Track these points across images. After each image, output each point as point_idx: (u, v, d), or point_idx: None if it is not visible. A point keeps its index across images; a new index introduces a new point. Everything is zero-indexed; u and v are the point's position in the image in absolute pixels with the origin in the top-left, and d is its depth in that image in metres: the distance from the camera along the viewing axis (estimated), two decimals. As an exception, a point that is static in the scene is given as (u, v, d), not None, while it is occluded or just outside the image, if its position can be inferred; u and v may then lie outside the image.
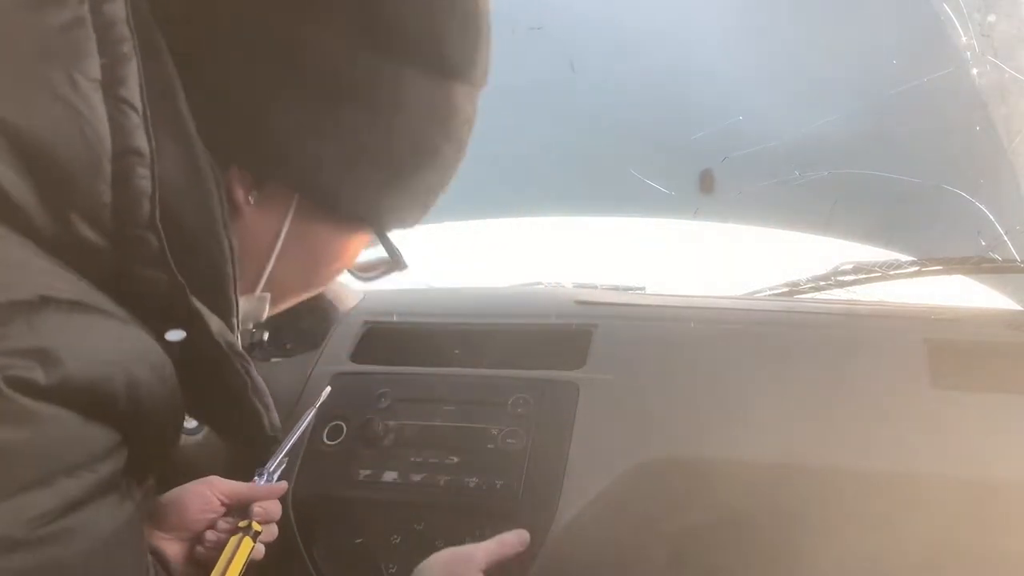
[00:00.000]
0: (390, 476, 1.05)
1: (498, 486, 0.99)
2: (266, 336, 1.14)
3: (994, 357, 0.99)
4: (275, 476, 0.93)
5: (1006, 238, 1.42)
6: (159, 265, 0.52)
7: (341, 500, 1.06)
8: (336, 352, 1.22)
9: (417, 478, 1.03)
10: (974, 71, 1.62)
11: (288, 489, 1.07)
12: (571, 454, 1.00)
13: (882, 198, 1.68)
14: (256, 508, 0.86)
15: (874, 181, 1.61)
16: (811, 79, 1.77)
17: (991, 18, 1.61)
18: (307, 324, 1.28)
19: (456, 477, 1.02)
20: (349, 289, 1.37)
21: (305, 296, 0.69)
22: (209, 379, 0.57)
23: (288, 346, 1.29)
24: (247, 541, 0.83)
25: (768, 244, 1.70)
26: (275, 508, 0.89)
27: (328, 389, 1.05)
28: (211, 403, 0.59)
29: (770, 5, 1.82)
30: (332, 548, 1.05)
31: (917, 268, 1.39)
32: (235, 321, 0.58)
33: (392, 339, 1.23)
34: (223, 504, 0.87)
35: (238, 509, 0.88)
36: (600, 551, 0.99)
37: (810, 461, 0.95)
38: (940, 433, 0.92)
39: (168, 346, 0.54)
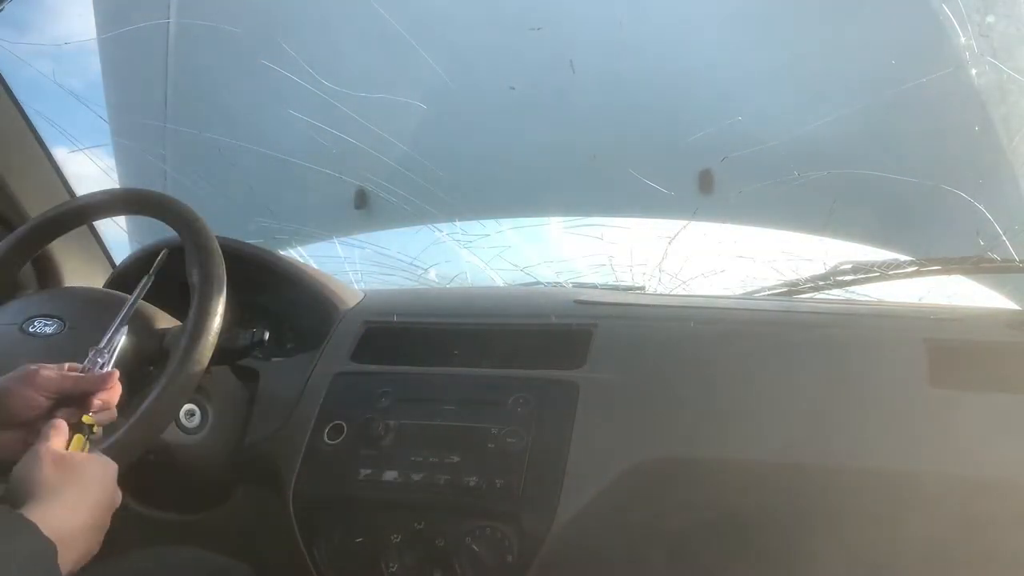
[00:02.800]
0: (390, 475, 1.05)
1: (498, 486, 1.00)
2: (267, 336, 1.14)
3: (993, 357, 0.99)
4: (111, 357, 0.88)
5: (1004, 238, 1.42)
6: None
7: (341, 499, 1.06)
8: (336, 352, 1.22)
9: (417, 477, 1.03)
10: (973, 71, 1.62)
11: (289, 488, 1.07)
12: (571, 454, 1.00)
13: (881, 198, 1.68)
14: (96, 401, 0.81)
15: (873, 181, 1.61)
16: (811, 79, 1.78)
17: (990, 18, 1.62)
18: (307, 324, 1.28)
19: (456, 477, 1.02)
20: (349, 289, 1.37)
21: None
22: None
23: (288, 346, 1.29)
24: (78, 439, 0.78)
25: (768, 244, 1.70)
26: (113, 396, 0.83)
27: (165, 252, 1.01)
28: None
29: (770, 5, 1.82)
30: (332, 547, 1.06)
31: (916, 268, 1.40)
32: None
33: (392, 339, 1.23)
34: (49, 399, 0.81)
35: (72, 398, 0.82)
36: (600, 551, 0.99)
37: (810, 461, 0.95)
38: (939, 433, 0.93)
39: None
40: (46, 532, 0.62)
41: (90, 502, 0.70)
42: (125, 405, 0.87)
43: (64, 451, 0.74)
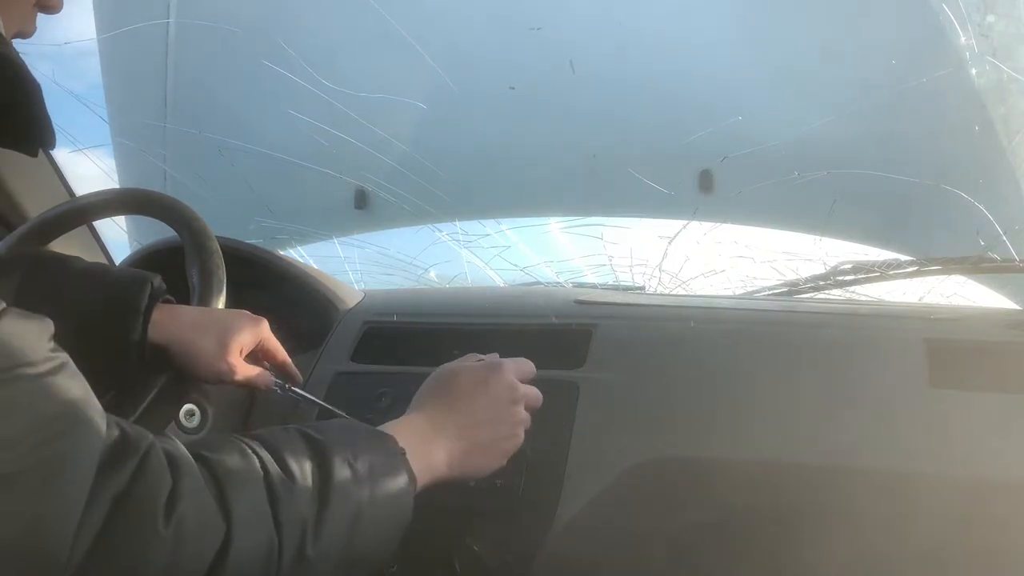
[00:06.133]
0: (390, 476, 1.05)
1: (498, 486, 0.99)
2: (266, 336, 1.14)
3: (993, 357, 0.99)
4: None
5: (1005, 238, 1.42)
6: None
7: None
8: (336, 352, 1.22)
9: (417, 478, 1.03)
10: (973, 71, 1.62)
11: None
12: (571, 454, 1.00)
13: (882, 198, 1.69)
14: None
15: (874, 181, 1.61)
16: (811, 79, 1.78)
17: (990, 18, 1.62)
18: (307, 324, 1.28)
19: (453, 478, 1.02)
20: (349, 289, 1.37)
21: (24, 8, 0.66)
22: None
23: (288, 346, 1.29)
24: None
25: (768, 244, 1.70)
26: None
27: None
28: None
29: (770, 6, 1.82)
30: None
31: (916, 268, 1.40)
32: None
33: (392, 339, 1.23)
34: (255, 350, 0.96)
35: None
36: (600, 551, 0.99)
37: (810, 461, 0.95)
38: (939, 433, 0.93)
39: None
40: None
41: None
42: (125, 405, 0.88)
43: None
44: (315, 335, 1.25)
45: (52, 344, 0.49)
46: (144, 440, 0.50)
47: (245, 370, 0.93)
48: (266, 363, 1.00)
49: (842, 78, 1.73)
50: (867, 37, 1.71)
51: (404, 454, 0.68)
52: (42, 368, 0.46)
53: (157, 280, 0.90)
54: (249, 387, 0.96)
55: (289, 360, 0.99)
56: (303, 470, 0.57)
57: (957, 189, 1.52)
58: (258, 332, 0.95)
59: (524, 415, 0.82)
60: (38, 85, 0.61)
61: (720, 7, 1.86)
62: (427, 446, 0.73)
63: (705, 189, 1.84)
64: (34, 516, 0.43)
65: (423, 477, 0.70)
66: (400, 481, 0.66)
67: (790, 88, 1.79)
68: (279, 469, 0.55)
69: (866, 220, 1.72)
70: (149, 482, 0.48)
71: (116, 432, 0.49)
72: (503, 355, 1.13)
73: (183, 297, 1.06)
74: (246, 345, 0.94)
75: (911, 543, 0.90)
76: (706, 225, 1.68)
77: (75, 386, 0.48)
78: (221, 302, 1.01)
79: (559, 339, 1.14)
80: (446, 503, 1.00)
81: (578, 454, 1.00)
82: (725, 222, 1.71)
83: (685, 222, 1.68)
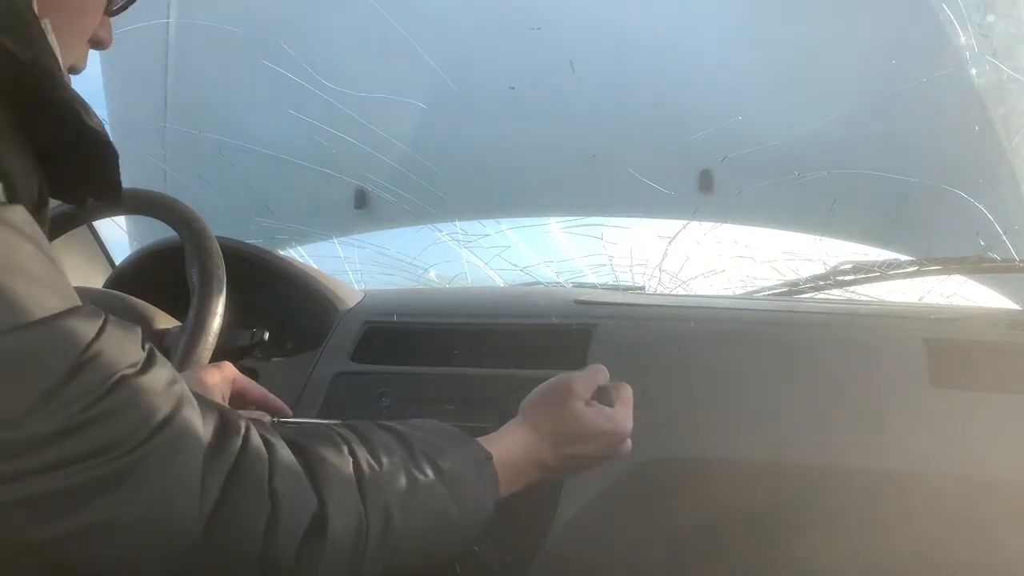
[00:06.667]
0: (390, 476, 1.04)
1: (498, 486, 0.99)
2: (266, 336, 1.14)
3: (993, 357, 0.99)
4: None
5: (1005, 238, 1.42)
6: None
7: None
8: (336, 352, 1.22)
9: (417, 478, 1.03)
10: (973, 71, 1.62)
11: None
12: (571, 454, 1.00)
13: (882, 198, 1.69)
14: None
15: (874, 181, 1.61)
16: (811, 79, 1.78)
17: (990, 18, 1.62)
18: (307, 324, 1.28)
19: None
20: (349, 289, 1.37)
21: (78, 35, 0.66)
22: (22, 96, 0.55)
23: (288, 346, 1.29)
24: None
25: (768, 244, 1.70)
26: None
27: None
28: (37, 128, 0.57)
29: (770, 6, 1.82)
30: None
31: (916, 268, 1.40)
32: (39, 41, 0.56)
33: (392, 339, 1.23)
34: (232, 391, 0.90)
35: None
36: (600, 551, 0.99)
37: (810, 461, 0.95)
38: (940, 433, 0.93)
39: None
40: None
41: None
42: None
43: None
44: (315, 335, 1.25)
45: (141, 338, 0.53)
46: (241, 420, 0.54)
47: None
48: (250, 405, 0.96)
49: (842, 78, 1.73)
50: (867, 37, 1.71)
51: (491, 459, 0.71)
52: (141, 365, 0.50)
53: None
54: None
55: (269, 394, 0.95)
56: (391, 463, 0.60)
57: (957, 189, 1.52)
58: (225, 376, 0.91)
59: (624, 432, 0.82)
60: (116, 152, 0.62)
61: (720, 7, 1.86)
62: (518, 467, 0.75)
63: (705, 189, 1.84)
64: (159, 497, 0.48)
65: (507, 487, 0.73)
66: (487, 485, 0.70)
67: (790, 88, 1.79)
68: (369, 458, 0.59)
69: (866, 220, 1.72)
70: (252, 458, 0.52)
71: (216, 413, 0.53)
72: (503, 355, 1.14)
73: (183, 297, 1.06)
74: (222, 388, 0.90)
75: (911, 542, 0.90)
76: (706, 225, 1.68)
77: (170, 374, 0.52)
78: (221, 302, 1.01)
79: (559, 339, 1.14)
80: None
81: (578, 454, 1.00)
82: (725, 222, 1.71)
83: (685, 222, 1.68)
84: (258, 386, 0.95)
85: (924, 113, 1.66)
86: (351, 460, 0.58)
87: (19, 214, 0.50)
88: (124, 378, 0.49)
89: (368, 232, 2.00)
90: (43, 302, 0.48)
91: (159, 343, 1.04)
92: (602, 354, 1.09)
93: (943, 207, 1.57)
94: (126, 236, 1.70)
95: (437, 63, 1.88)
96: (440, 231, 1.87)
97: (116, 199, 0.66)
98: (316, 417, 1.13)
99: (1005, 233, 1.44)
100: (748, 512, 0.96)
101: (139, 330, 0.53)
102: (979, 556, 0.89)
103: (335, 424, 0.63)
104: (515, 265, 1.78)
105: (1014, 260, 1.37)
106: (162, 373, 0.52)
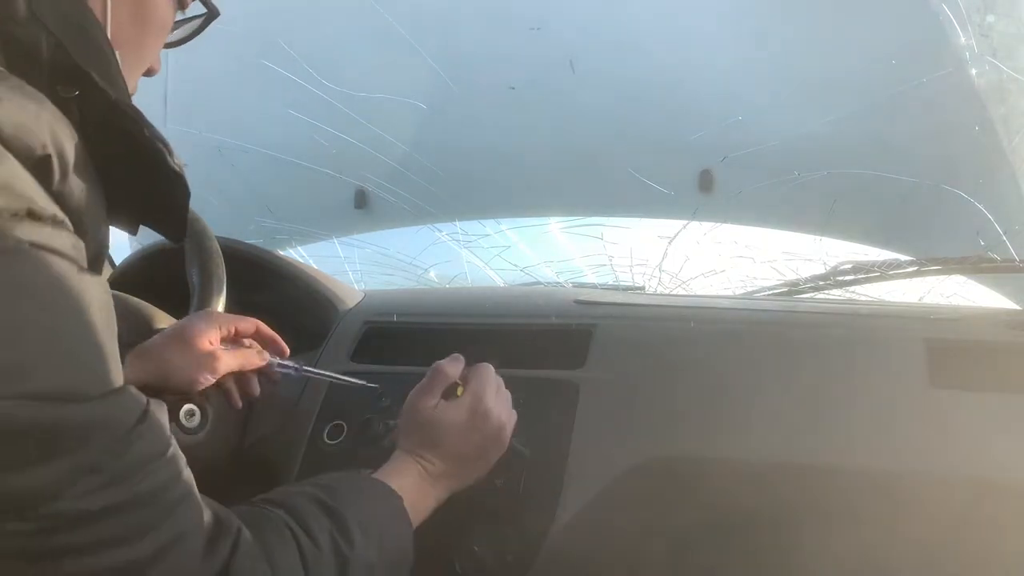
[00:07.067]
0: (390, 476, 1.04)
1: (498, 486, 0.99)
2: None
3: (993, 357, 0.99)
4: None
5: (1005, 238, 1.42)
6: (32, 22, 0.51)
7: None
8: (336, 352, 1.22)
9: (417, 478, 1.03)
10: (973, 71, 1.62)
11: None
12: (571, 454, 1.00)
13: (882, 198, 1.69)
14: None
15: (874, 181, 1.62)
16: (811, 79, 1.78)
17: (990, 18, 1.62)
18: (307, 324, 1.28)
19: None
20: (349, 289, 1.37)
21: (139, 66, 0.67)
22: (106, 135, 0.55)
23: (288, 346, 1.29)
24: None
25: (768, 244, 1.70)
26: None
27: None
28: (117, 162, 0.57)
29: (770, 5, 1.82)
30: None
31: (916, 268, 1.40)
32: (118, 77, 0.57)
33: (392, 339, 1.23)
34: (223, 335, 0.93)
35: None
36: (600, 551, 0.99)
37: (810, 461, 0.95)
38: (940, 433, 0.93)
39: (66, 107, 0.53)
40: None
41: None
42: None
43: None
44: (315, 335, 1.25)
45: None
46: (233, 522, 0.56)
47: (229, 357, 0.91)
48: (247, 343, 0.97)
49: (842, 78, 1.73)
50: (867, 37, 1.71)
51: (402, 500, 0.75)
52: (169, 453, 0.52)
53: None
54: (249, 373, 0.95)
55: (263, 326, 0.96)
56: (327, 541, 0.63)
57: (957, 189, 1.52)
58: (211, 318, 0.92)
59: (506, 419, 0.87)
60: (188, 192, 0.62)
61: (720, 7, 1.86)
62: (423, 492, 0.80)
63: (705, 189, 1.84)
64: None
65: (418, 518, 0.77)
66: (404, 532, 0.74)
67: (790, 88, 1.79)
68: (308, 540, 0.61)
69: (866, 220, 1.72)
70: (240, 562, 0.54)
71: (210, 513, 0.54)
72: (503, 355, 1.14)
73: (183, 297, 1.06)
74: (209, 334, 0.91)
75: (911, 543, 0.90)
76: (706, 225, 1.68)
77: (186, 467, 0.54)
78: (221, 302, 1.01)
79: (559, 339, 1.14)
80: (446, 503, 1.00)
81: (578, 454, 1.00)
82: (725, 222, 1.71)
83: (685, 222, 1.68)
84: (250, 320, 0.96)
85: (924, 113, 1.66)
86: (295, 547, 0.60)
87: (96, 281, 0.50)
88: (157, 468, 0.49)
89: (368, 232, 2.00)
90: (102, 377, 0.48)
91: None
92: (602, 354, 1.09)
93: (943, 207, 1.57)
94: (126, 236, 1.70)
95: (437, 63, 1.88)
96: (440, 231, 1.87)
97: (179, 238, 0.65)
98: (316, 416, 1.13)
99: (1005, 233, 1.44)
100: (748, 512, 0.96)
101: (166, 411, 0.54)
102: (979, 556, 0.88)
103: (270, 502, 0.64)
104: (515, 265, 1.78)
105: (1014, 260, 1.37)
106: (181, 463, 0.53)
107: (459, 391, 0.87)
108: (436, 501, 0.82)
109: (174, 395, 0.89)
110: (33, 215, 0.46)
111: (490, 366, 0.90)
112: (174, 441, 0.53)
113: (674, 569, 0.99)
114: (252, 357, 0.95)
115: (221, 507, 0.57)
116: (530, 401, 1.05)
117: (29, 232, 0.45)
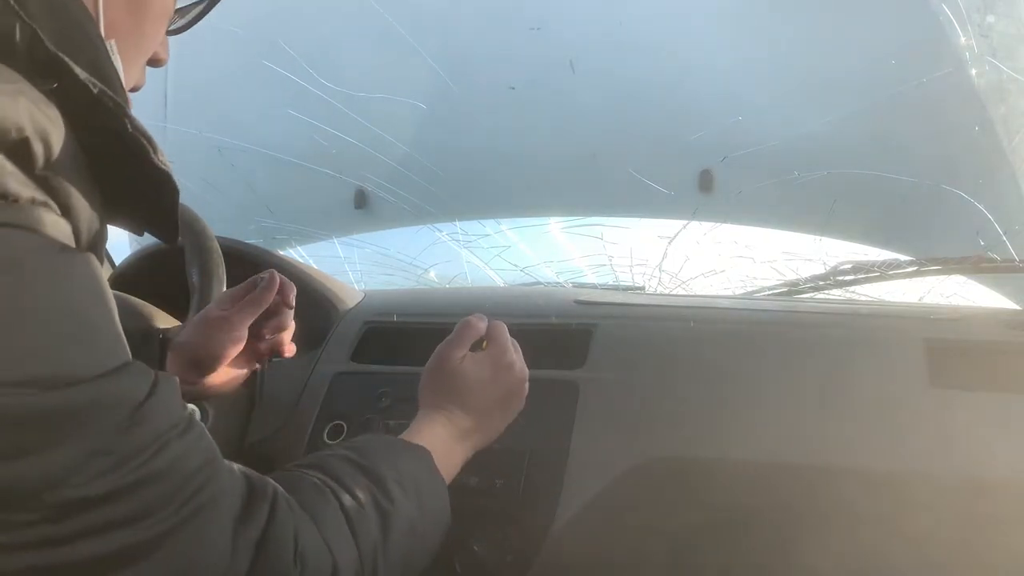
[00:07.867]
0: (390, 476, 1.04)
1: (498, 486, 1.00)
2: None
3: (993, 357, 0.99)
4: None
5: (1005, 238, 1.42)
6: (5, 10, 0.49)
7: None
8: (336, 352, 1.22)
9: (417, 478, 1.03)
10: (973, 71, 1.62)
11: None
12: (571, 454, 1.00)
13: (882, 198, 1.69)
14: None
15: (874, 181, 1.62)
16: (811, 79, 1.78)
17: (990, 18, 1.62)
18: (307, 324, 1.28)
19: (456, 476, 1.02)
20: (349, 289, 1.37)
21: (140, 55, 0.65)
22: (90, 129, 0.54)
23: (288, 346, 1.29)
24: None
25: (768, 244, 1.70)
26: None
27: None
28: (105, 159, 0.56)
29: (770, 5, 1.82)
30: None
31: (916, 268, 1.40)
32: (108, 67, 0.55)
33: (392, 339, 1.23)
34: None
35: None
36: (600, 551, 0.99)
37: (809, 461, 0.95)
38: (939, 433, 0.93)
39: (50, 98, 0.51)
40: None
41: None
42: None
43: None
44: (315, 335, 1.25)
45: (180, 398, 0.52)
46: (268, 486, 0.54)
47: (241, 310, 0.91)
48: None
49: (842, 78, 1.73)
50: (867, 37, 1.71)
51: (432, 456, 0.73)
52: (183, 427, 0.49)
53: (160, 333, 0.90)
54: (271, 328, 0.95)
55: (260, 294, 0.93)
56: (367, 497, 0.62)
57: (957, 189, 1.52)
58: (222, 295, 0.93)
59: (522, 372, 0.87)
60: (176, 191, 0.61)
61: (720, 7, 1.86)
62: (450, 448, 0.78)
63: (705, 189, 1.84)
64: (188, 567, 0.47)
65: (449, 476, 0.76)
66: (440, 489, 0.73)
67: (790, 88, 1.79)
68: (349, 497, 0.60)
69: (866, 220, 1.72)
70: (280, 526, 0.52)
71: (243, 480, 0.53)
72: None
73: (183, 297, 1.06)
74: (222, 304, 0.91)
75: (910, 543, 0.90)
76: (706, 225, 1.68)
77: (205, 437, 0.51)
78: (221, 302, 1.01)
79: (559, 339, 1.14)
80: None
81: (578, 454, 1.00)
82: (725, 222, 1.71)
83: (685, 222, 1.68)
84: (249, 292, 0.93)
85: (924, 113, 1.66)
86: (338, 505, 0.58)
87: (84, 259, 0.48)
88: (169, 442, 0.47)
89: (368, 232, 2.00)
90: (99, 356, 0.46)
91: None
92: (602, 354, 1.09)
93: (943, 207, 1.57)
94: (126, 236, 1.70)
95: (437, 63, 1.89)
96: (440, 231, 1.87)
97: (172, 239, 0.63)
98: (316, 416, 1.13)
99: (1005, 233, 1.45)
100: (748, 512, 0.96)
101: (178, 384, 0.52)
102: (979, 556, 0.89)
103: (303, 467, 0.63)
104: (515, 265, 1.78)
105: (1014, 260, 1.36)
106: (199, 434, 0.51)
107: (484, 344, 0.88)
108: (463, 459, 0.80)
109: (219, 375, 0.91)
110: (6, 197, 0.44)
111: (504, 324, 0.90)
112: (190, 412, 0.52)
113: (674, 569, 0.99)
114: (258, 295, 0.93)
115: (254, 472, 0.55)
116: (530, 401, 1.05)
117: (1, 214, 0.43)
